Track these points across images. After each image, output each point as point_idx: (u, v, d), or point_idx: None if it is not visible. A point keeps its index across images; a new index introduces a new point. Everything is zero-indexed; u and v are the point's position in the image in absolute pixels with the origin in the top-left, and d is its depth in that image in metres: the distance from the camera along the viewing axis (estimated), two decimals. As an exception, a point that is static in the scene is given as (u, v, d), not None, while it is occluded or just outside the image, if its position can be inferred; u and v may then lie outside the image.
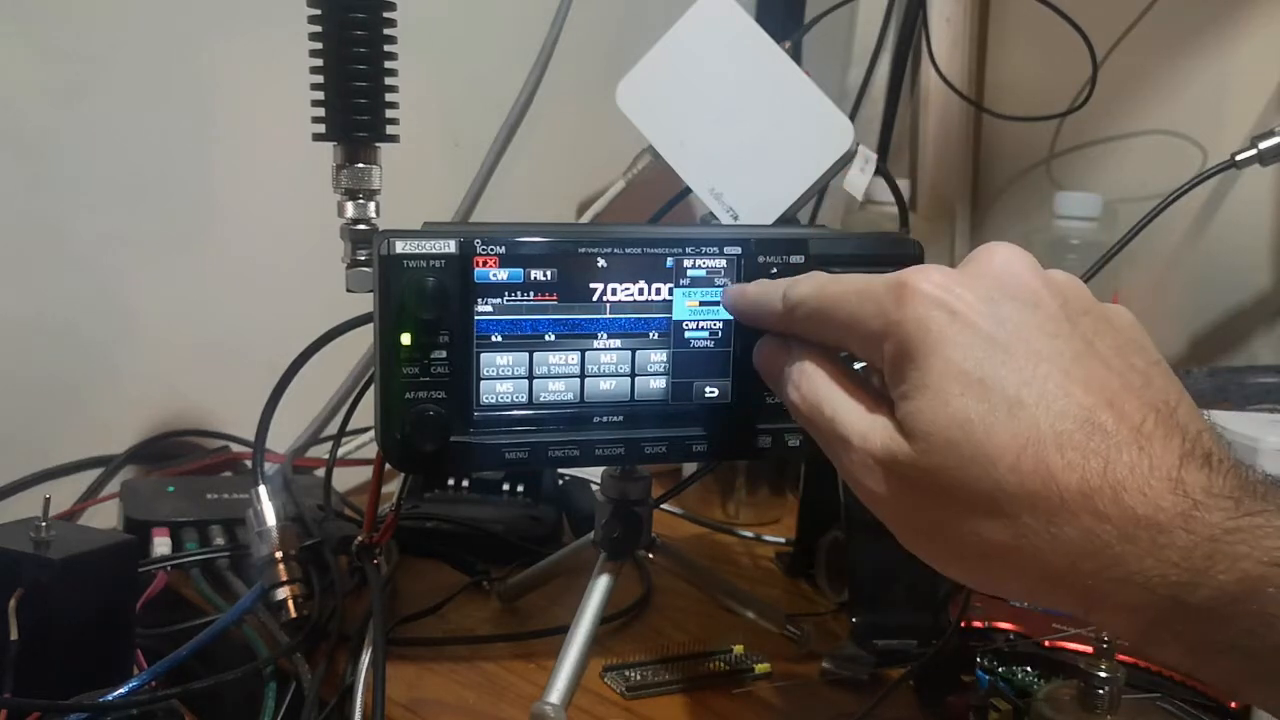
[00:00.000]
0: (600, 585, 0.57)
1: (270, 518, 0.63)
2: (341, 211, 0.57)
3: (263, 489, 0.63)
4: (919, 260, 0.54)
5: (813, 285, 0.43)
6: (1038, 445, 0.35)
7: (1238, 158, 0.69)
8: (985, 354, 0.36)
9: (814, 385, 0.42)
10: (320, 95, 0.55)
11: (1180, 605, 0.33)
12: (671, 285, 0.52)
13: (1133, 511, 0.33)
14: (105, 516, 0.77)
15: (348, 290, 0.56)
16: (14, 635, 0.51)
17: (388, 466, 0.54)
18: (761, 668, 0.61)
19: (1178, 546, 0.33)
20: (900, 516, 0.39)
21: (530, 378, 0.52)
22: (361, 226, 0.56)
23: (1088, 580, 0.34)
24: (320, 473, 0.75)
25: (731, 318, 0.53)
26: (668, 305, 0.52)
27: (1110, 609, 0.35)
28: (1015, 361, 0.36)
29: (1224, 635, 0.33)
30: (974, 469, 0.35)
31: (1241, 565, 0.32)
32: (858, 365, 0.43)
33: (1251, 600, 0.32)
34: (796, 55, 0.87)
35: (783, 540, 0.82)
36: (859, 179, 0.64)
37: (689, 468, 0.80)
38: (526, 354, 0.51)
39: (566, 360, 0.52)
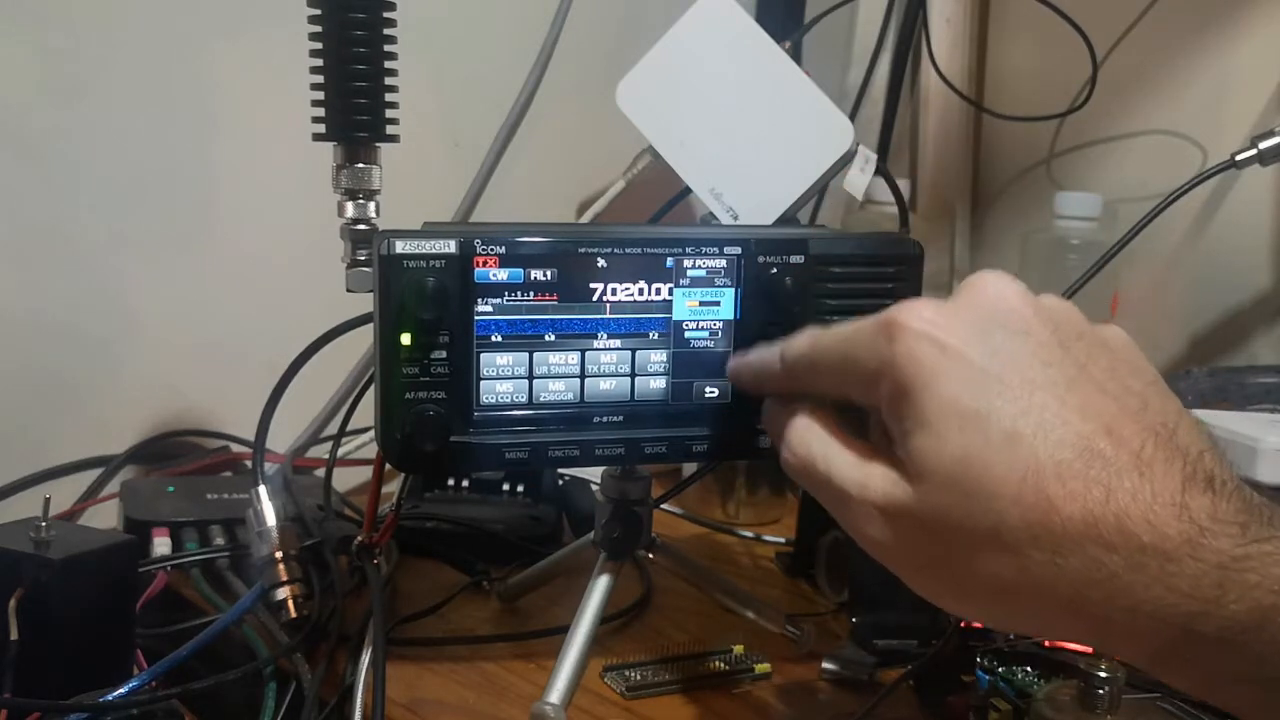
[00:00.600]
0: (600, 585, 0.57)
1: (270, 518, 0.63)
2: (341, 211, 0.57)
3: (263, 489, 0.63)
4: (919, 260, 0.54)
5: (806, 338, 0.44)
6: (1037, 476, 0.34)
7: (1238, 158, 0.69)
8: (979, 386, 0.36)
9: (807, 442, 0.42)
10: (320, 95, 0.55)
11: (1191, 634, 0.33)
12: (671, 285, 0.52)
13: (1138, 539, 0.33)
14: (105, 516, 0.77)
15: (348, 290, 0.56)
16: (14, 635, 0.51)
17: (388, 466, 0.54)
18: (761, 668, 0.61)
19: (1186, 575, 0.33)
20: (906, 560, 0.39)
21: (530, 378, 0.52)
22: (361, 226, 0.56)
23: (1097, 610, 0.34)
24: (320, 473, 0.75)
25: (732, 317, 0.53)
26: (668, 305, 0.52)
27: (1121, 638, 0.35)
28: (1010, 392, 0.36)
29: (1236, 665, 0.33)
30: (975, 504, 0.35)
31: (1253, 594, 0.32)
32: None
33: (1263, 630, 0.32)
34: (796, 55, 0.87)
35: (783, 540, 0.82)
36: (859, 179, 0.64)
37: (689, 468, 0.80)
38: (526, 354, 0.51)
39: (566, 360, 0.52)
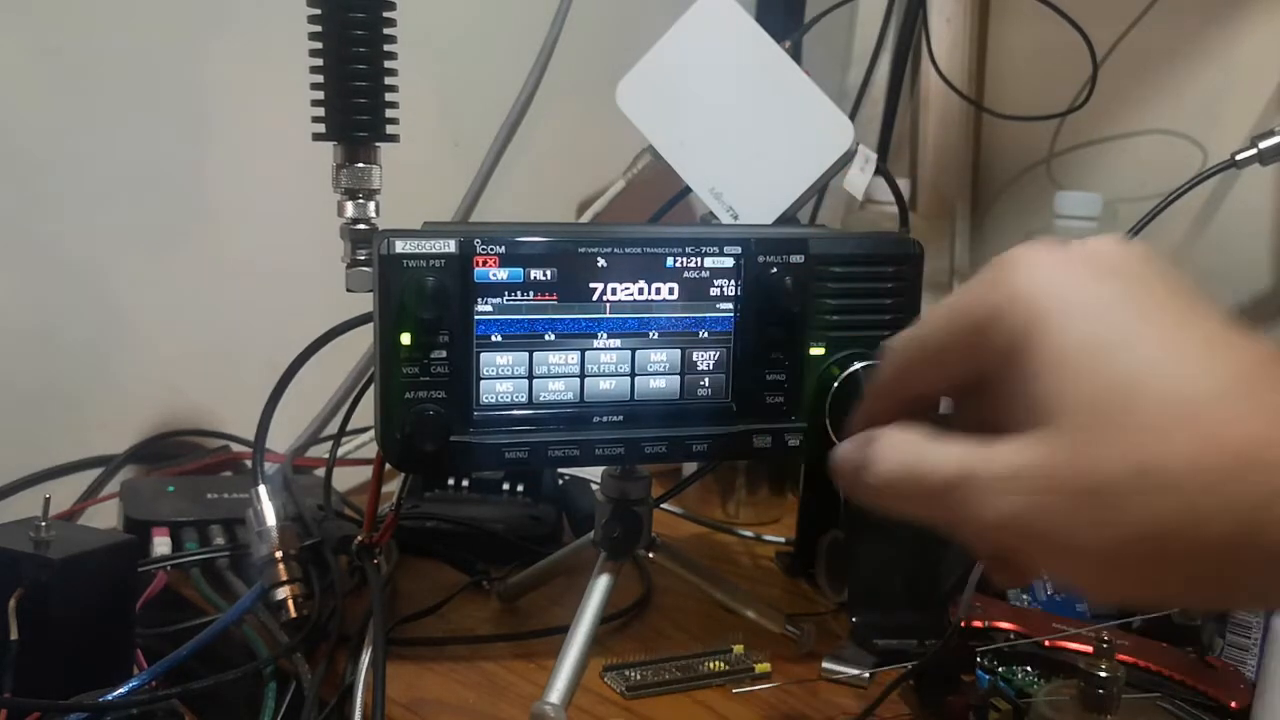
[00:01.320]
0: (600, 585, 0.57)
1: (270, 517, 0.63)
2: (341, 211, 0.57)
3: (263, 489, 0.63)
4: (919, 260, 0.54)
5: (895, 339, 0.39)
6: (1192, 405, 0.31)
7: (1238, 158, 0.69)
8: (1117, 317, 0.33)
9: (890, 455, 0.37)
10: (320, 95, 0.55)
11: None
12: (672, 285, 0.52)
13: None
14: (105, 516, 0.77)
15: (348, 290, 0.56)
16: (14, 635, 0.51)
17: (388, 466, 0.54)
18: (761, 668, 0.61)
19: None
20: (1041, 531, 0.33)
21: (530, 377, 0.52)
22: (361, 226, 0.56)
23: (1269, 542, 0.30)
24: (320, 473, 0.75)
25: (732, 317, 0.53)
26: (668, 305, 0.52)
27: None
28: (1150, 324, 0.33)
29: None
30: (1125, 439, 0.32)
31: None
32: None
33: None
34: (796, 55, 0.87)
35: (783, 540, 0.82)
36: (859, 179, 0.64)
37: (689, 468, 0.80)
38: (526, 354, 0.51)
39: (566, 360, 0.52)
